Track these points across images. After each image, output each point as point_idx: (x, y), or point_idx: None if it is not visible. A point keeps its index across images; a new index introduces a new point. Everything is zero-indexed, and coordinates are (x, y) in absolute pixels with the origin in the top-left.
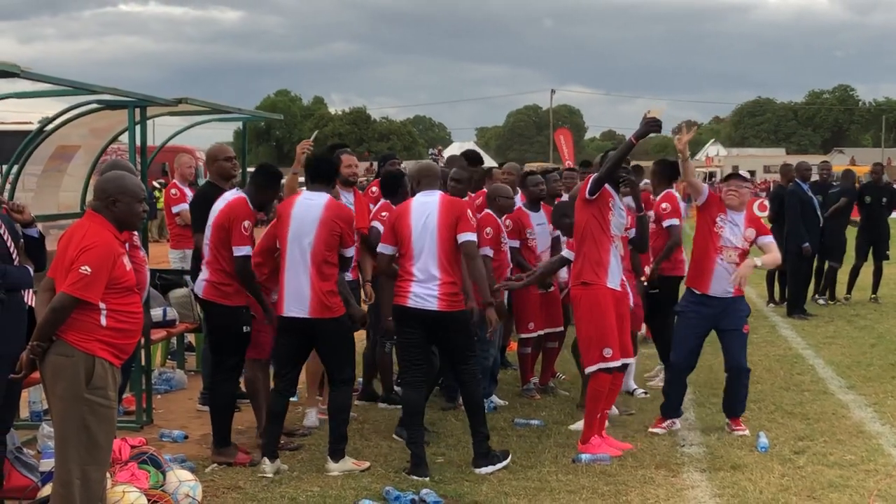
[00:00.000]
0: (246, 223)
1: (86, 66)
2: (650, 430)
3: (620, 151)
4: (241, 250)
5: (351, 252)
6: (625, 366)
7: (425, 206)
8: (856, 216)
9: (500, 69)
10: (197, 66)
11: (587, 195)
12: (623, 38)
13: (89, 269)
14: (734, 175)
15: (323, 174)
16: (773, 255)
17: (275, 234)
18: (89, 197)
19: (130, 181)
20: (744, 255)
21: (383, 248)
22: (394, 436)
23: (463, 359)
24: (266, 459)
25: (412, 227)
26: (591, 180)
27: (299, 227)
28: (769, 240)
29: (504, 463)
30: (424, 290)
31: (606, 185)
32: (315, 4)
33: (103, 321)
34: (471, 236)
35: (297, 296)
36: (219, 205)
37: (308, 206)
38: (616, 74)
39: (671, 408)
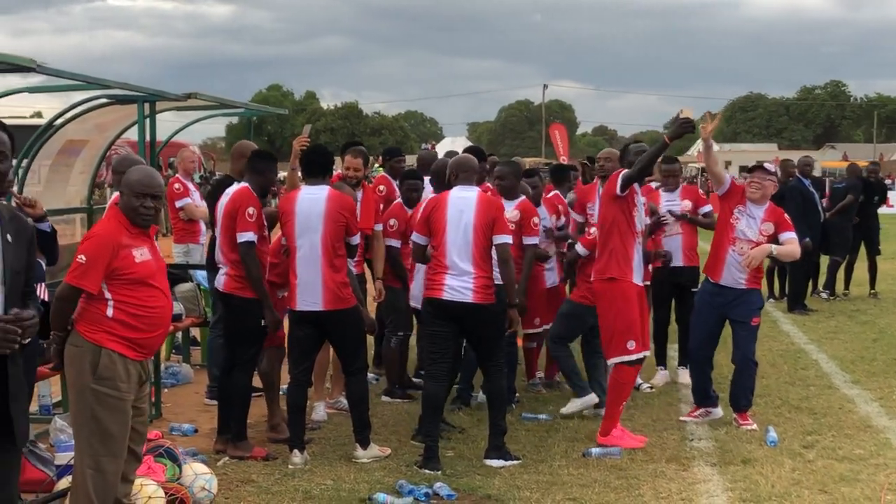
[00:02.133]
0: (250, 210)
1: (77, 62)
2: (681, 418)
3: (654, 151)
4: (243, 236)
5: (356, 240)
6: (643, 358)
7: (462, 202)
8: None
9: (490, 64)
10: (187, 62)
11: (618, 191)
12: (612, 33)
13: (84, 258)
14: (759, 167)
15: (317, 167)
16: (791, 248)
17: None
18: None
19: (136, 176)
20: None
21: (417, 238)
22: (411, 441)
23: (491, 352)
24: (296, 451)
25: (447, 220)
26: (621, 177)
27: (306, 223)
28: (791, 235)
29: (514, 462)
30: (459, 282)
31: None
32: None
33: (109, 312)
34: (507, 238)
35: (310, 290)
36: (223, 199)
37: (311, 201)
38: (606, 69)
39: (700, 395)
